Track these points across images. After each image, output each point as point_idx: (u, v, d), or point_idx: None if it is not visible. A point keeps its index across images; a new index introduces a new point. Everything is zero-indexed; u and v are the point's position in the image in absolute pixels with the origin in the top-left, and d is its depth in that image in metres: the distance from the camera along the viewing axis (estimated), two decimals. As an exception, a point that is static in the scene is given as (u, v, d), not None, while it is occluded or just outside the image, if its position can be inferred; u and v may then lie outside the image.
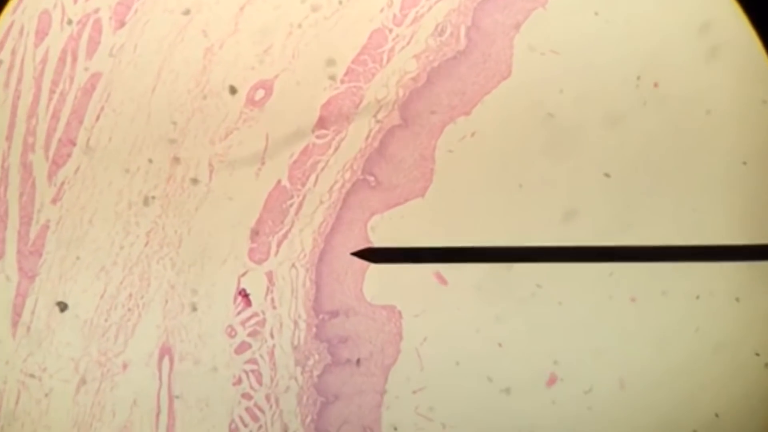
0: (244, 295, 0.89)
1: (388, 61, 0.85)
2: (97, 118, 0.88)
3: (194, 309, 0.89)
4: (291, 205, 0.89)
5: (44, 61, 0.89)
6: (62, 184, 0.89)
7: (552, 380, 0.86)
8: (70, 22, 0.89)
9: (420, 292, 0.89)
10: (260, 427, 0.87)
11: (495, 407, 0.86)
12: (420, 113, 0.88)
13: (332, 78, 0.86)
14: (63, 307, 0.88)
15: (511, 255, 0.88)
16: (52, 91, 0.89)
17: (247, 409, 0.87)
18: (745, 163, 0.88)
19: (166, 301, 0.89)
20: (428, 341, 0.89)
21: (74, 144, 0.88)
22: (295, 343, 0.88)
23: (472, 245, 0.88)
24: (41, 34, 0.89)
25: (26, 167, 0.89)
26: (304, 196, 0.89)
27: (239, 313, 0.90)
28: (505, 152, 0.89)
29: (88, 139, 0.88)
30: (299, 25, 0.86)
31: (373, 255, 0.87)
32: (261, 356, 0.87)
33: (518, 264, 0.88)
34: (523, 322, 0.88)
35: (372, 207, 0.89)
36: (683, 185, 0.87)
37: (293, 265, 0.89)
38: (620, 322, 0.88)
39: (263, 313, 0.90)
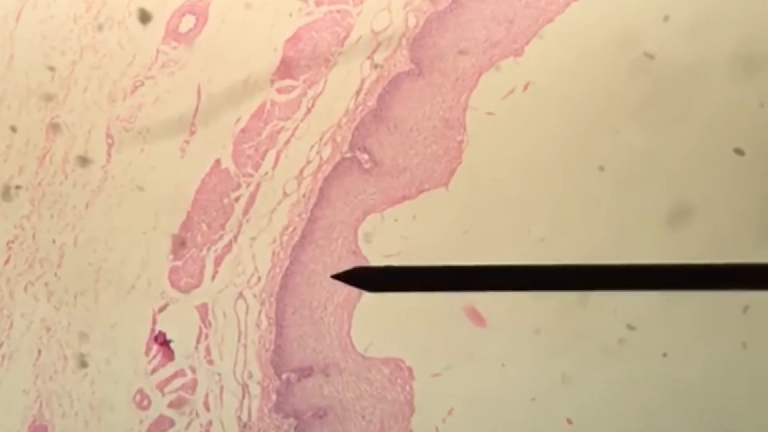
0: (162, 341, 0.78)
1: (391, -28, 0.80)
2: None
3: (83, 364, 0.79)
4: (237, 200, 0.78)
5: None
6: None
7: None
8: None
9: (442, 337, 0.78)
10: None
11: None
12: (442, 53, 0.77)
13: (303, -1, 0.80)
14: None
15: (586, 278, 0.77)
16: None
17: None
18: None
19: (39, 352, 0.79)
20: (455, 416, 0.77)
21: None
22: (244, 418, 0.78)
23: (522, 263, 0.78)
24: None
25: None
26: (258, 186, 0.77)
27: (155, 370, 0.79)
28: (577, 114, 0.77)
29: None
30: None
31: (367, 278, 0.77)
32: (190, 438, 0.82)
33: (598, 293, 0.77)
34: (607, 386, 0.77)
35: (365, 202, 0.77)
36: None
37: (240, 295, 0.78)
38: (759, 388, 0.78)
39: (193, 370, 0.79)
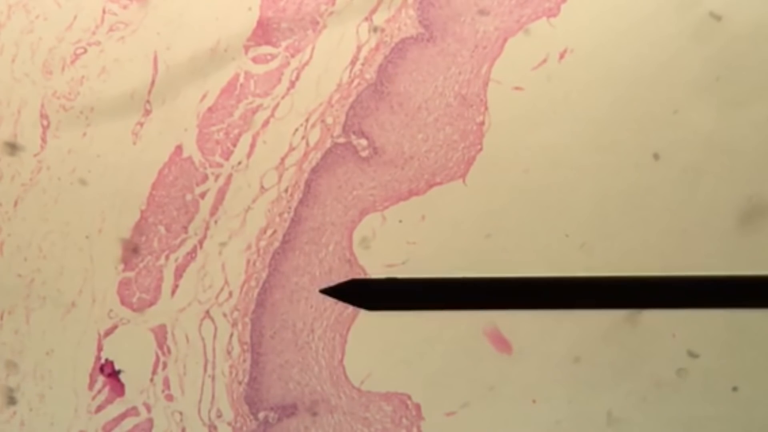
0: (109, 372, 0.72)
1: None
2: None
3: (11, 400, 0.73)
4: (203, 196, 0.71)
5: None
6: None
7: None
8: None
9: (458, 367, 0.71)
10: None
11: None
12: (458, 13, 0.70)
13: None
14: None
15: (636, 293, 0.69)
16: None
17: None
18: None
19: (-42, 384, 0.78)
20: (475, 465, 0.76)
21: None
22: (212, 468, 0.77)
23: (557, 275, 0.69)
24: None
25: None
26: (229, 178, 0.71)
27: (101, 407, 0.73)
28: (625, 90, 0.69)
29: None
30: None
31: (364, 293, 0.70)
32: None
33: (652, 312, 0.69)
34: (662, 429, 0.70)
35: (363, 199, 0.71)
36: None
37: (207, 314, 0.72)
38: None
39: (147, 408, 0.73)
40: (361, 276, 0.70)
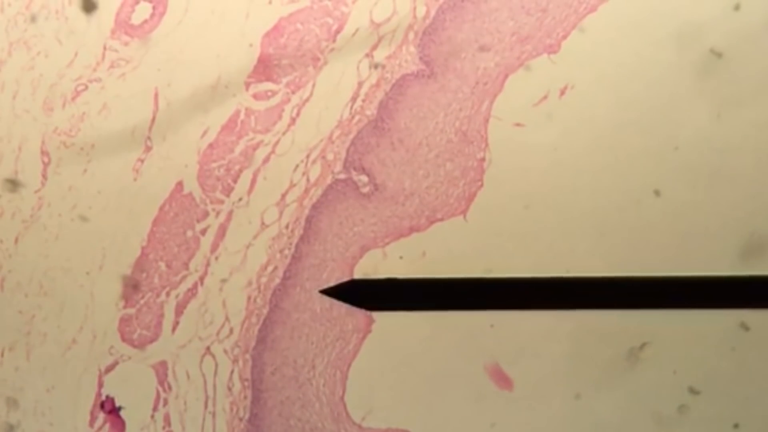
0: (110, 409, 0.73)
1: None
2: None
3: None
4: (203, 232, 0.72)
5: None
6: None
7: None
8: None
9: (458, 403, 0.71)
10: None
11: None
12: (458, 50, 0.70)
13: (286, -18, 0.77)
14: None
15: (645, 295, 0.69)
16: None
17: None
18: None
19: (-43, 422, 0.79)
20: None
21: None
22: (212, 507, 0.79)
23: (556, 276, 0.70)
24: None
25: None
26: (230, 215, 0.72)
27: None
28: (625, 126, 0.70)
29: None
30: None
31: (363, 293, 0.71)
32: None
33: (653, 349, 0.70)
34: None
35: (363, 235, 0.72)
36: None
37: (207, 351, 0.72)
38: None
39: None
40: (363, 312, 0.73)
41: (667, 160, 0.71)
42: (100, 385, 0.73)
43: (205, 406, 0.73)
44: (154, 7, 0.71)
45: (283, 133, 0.72)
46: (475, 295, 0.73)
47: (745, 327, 0.71)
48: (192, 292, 0.73)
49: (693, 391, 0.70)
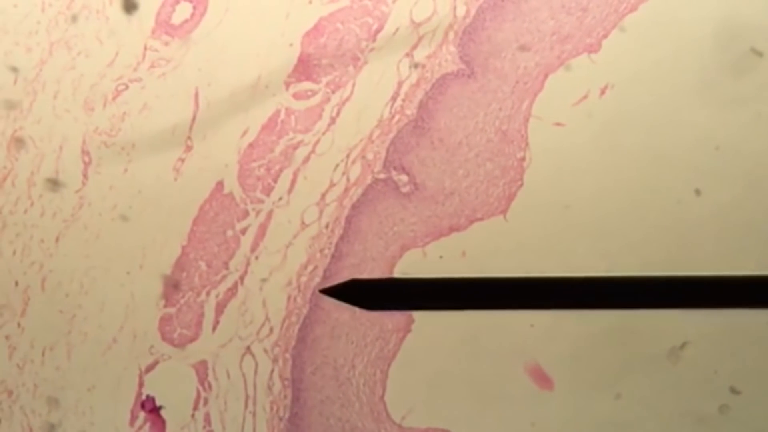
0: (151, 408, 0.73)
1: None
2: None
3: None
4: (243, 232, 0.73)
5: None
6: None
7: None
8: None
9: (498, 403, 0.71)
10: None
11: None
12: (498, 49, 0.71)
13: (325, -18, 0.77)
14: None
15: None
16: None
17: None
18: None
19: (-1, 421, 0.81)
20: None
21: None
22: (254, 505, 0.80)
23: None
24: None
25: None
26: (270, 214, 0.72)
27: None
28: (667, 126, 0.70)
29: None
30: None
31: (363, 293, 0.71)
32: None
33: (695, 348, 0.69)
34: None
35: (403, 234, 0.72)
36: None
37: (248, 350, 0.73)
38: None
39: None
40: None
41: (707, 159, 0.72)
42: (141, 384, 0.74)
43: (246, 406, 0.73)
44: (194, 7, 0.72)
45: (323, 133, 0.72)
46: (474, 294, 0.74)
47: (786, 327, 0.73)
48: (232, 291, 0.73)
49: (734, 390, 0.70)
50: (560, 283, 0.72)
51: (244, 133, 0.73)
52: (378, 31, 0.71)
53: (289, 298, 0.73)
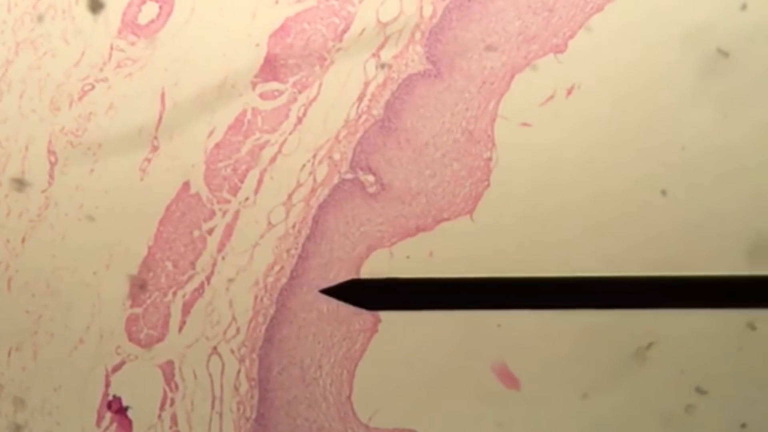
0: (117, 409, 0.73)
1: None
2: None
3: None
4: (210, 232, 0.72)
5: None
6: None
7: None
8: None
9: (465, 403, 0.71)
10: None
11: None
12: (465, 49, 0.71)
13: (292, -18, 0.77)
14: None
15: (649, 293, 0.69)
16: None
17: None
18: None
19: (-36, 421, 0.80)
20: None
21: None
22: (219, 505, 0.79)
23: (557, 276, 0.71)
24: None
25: None
26: (236, 214, 0.72)
27: None
28: (632, 127, 0.70)
29: None
30: None
31: (363, 292, 0.71)
32: None
33: (661, 348, 0.70)
34: None
35: (370, 235, 0.72)
36: None
37: (214, 350, 0.73)
38: None
39: None
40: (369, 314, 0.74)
41: (673, 160, 0.72)
42: (107, 384, 0.74)
43: (212, 406, 0.73)
44: (160, 7, 0.72)
45: (290, 133, 0.72)
46: (482, 294, 0.74)
47: (752, 327, 0.72)
48: (199, 291, 0.73)
49: (700, 390, 0.71)
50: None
51: (211, 133, 0.72)
52: (344, 31, 0.71)
53: (255, 298, 0.73)
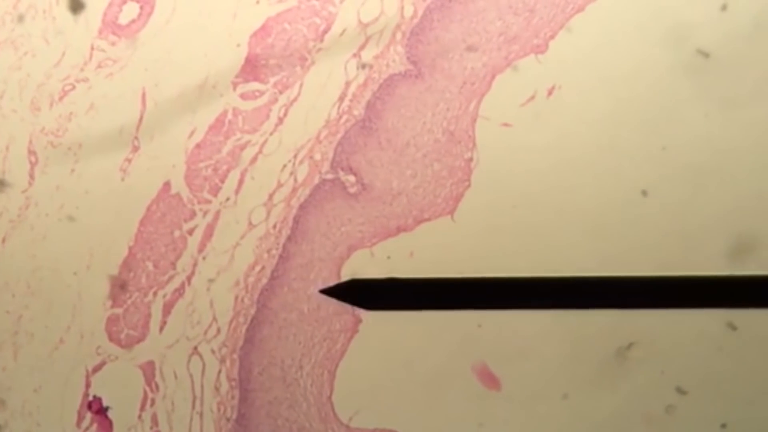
0: (97, 409, 0.73)
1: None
2: None
3: None
4: (191, 232, 0.72)
5: None
6: None
7: None
8: None
9: (445, 403, 0.71)
10: None
11: None
12: (446, 50, 0.71)
13: (273, -18, 0.77)
14: None
15: (627, 296, 0.69)
16: None
17: None
18: None
19: (-56, 422, 0.80)
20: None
21: None
22: (199, 505, 0.79)
23: (549, 276, 0.71)
24: None
25: None
26: (217, 215, 0.72)
27: None
28: (613, 127, 0.70)
29: None
30: None
31: (363, 292, 0.71)
32: None
33: (641, 349, 0.70)
34: None
35: (351, 235, 0.72)
36: None
37: (195, 350, 0.73)
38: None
39: None
40: (349, 314, 0.73)
41: (654, 160, 0.72)
42: (88, 385, 0.73)
43: (193, 406, 0.73)
44: (141, 7, 0.72)
45: (271, 133, 0.72)
46: (463, 295, 0.74)
47: (732, 327, 0.72)
48: (179, 292, 0.73)
49: (680, 391, 0.71)
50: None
51: (192, 133, 0.72)
52: (325, 31, 0.71)
53: (236, 298, 0.73)
